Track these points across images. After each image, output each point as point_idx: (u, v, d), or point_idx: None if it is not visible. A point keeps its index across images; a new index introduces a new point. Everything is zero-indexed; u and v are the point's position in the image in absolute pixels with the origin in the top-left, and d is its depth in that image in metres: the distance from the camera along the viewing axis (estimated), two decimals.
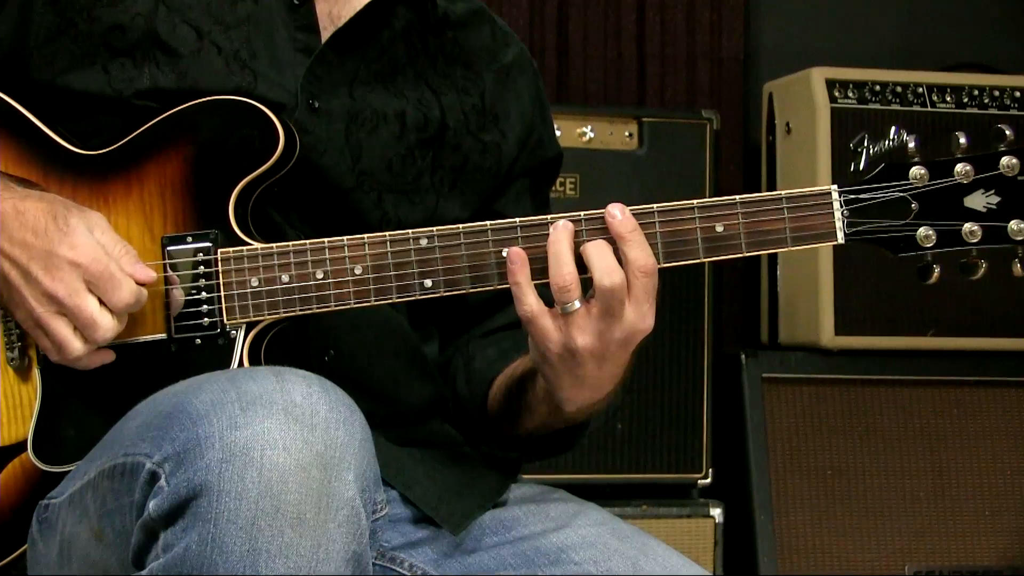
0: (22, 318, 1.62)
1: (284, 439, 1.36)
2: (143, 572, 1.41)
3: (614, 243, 1.59)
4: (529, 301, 1.59)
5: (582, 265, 1.59)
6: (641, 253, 1.58)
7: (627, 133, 3.32)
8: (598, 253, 1.58)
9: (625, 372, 1.66)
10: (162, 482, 1.39)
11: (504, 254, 1.62)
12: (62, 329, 1.60)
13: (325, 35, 1.79)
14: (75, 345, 1.60)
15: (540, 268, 1.60)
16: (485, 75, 1.90)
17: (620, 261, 1.58)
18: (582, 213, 1.61)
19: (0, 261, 1.60)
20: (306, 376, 1.43)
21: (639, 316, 1.58)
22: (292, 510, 1.34)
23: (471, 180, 1.87)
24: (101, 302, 1.60)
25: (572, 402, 1.65)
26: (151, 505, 1.40)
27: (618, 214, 1.59)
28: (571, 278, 1.57)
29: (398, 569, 1.71)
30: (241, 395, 1.39)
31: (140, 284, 1.61)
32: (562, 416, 1.70)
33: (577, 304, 1.57)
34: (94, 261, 1.59)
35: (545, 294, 1.60)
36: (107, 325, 1.60)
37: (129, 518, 1.45)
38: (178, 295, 1.65)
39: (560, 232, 1.59)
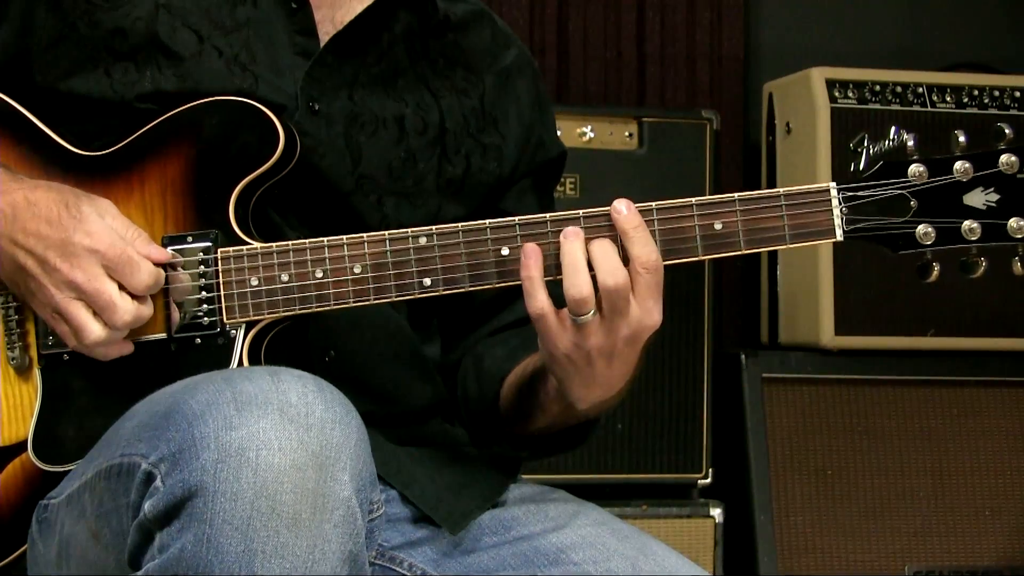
0: (40, 306, 1.63)
1: (279, 439, 1.36)
2: (139, 573, 1.41)
3: (618, 240, 1.58)
4: (540, 297, 1.58)
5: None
6: (644, 249, 1.57)
7: (627, 133, 3.32)
8: (602, 253, 1.58)
9: (635, 370, 1.65)
10: (158, 482, 1.39)
11: (504, 253, 1.62)
12: (81, 313, 1.60)
13: (324, 39, 1.79)
14: (93, 327, 1.61)
15: (544, 266, 1.60)
16: (485, 77, 1.90)
17: (624, 258, 1.58)
18: (581, 211, 1.61)
19: (15, 251, 1.61)
20: (302, 376, 1.43)
21: (645, 312, 1.57)
22: (288, 510, 1.34)
23: (476, 183, 1.87)
24: (120, 287, 1.60)
25: (584, 400, 1.65)
26: (147, 505, 1.40)
27: (623, 209, 1.59)
28: (587, 289, 1.56)
29: (397, 569, 1.71)
30: (236, 395, 1.39)
31: (157, 264, 1.62)
32: (574, 413, 1.70)
33: (591, 316, 1.56)
34: (111, 246, 1.59)
35: (554, 292, 1.60)
36: (126, 307, 1.60)
37: (126, 518, 1.45)
38: (184, 279, 1.65)
39: (572, 241, 1.58)
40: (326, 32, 1.80)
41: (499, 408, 1.82)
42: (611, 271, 1.56)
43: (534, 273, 1.58)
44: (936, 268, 1.63)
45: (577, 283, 1.56)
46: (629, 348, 1.60)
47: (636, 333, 1.58)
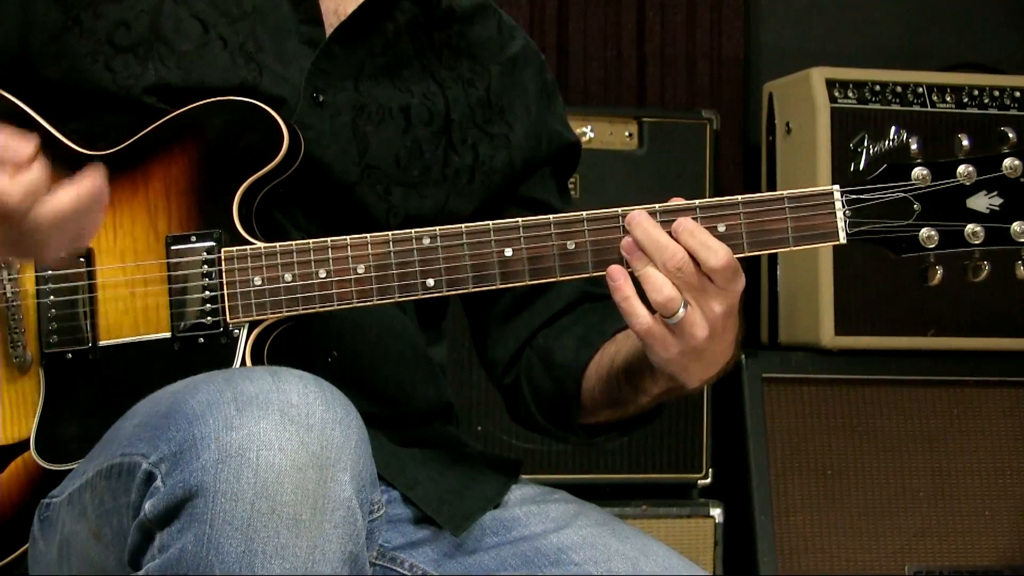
0: None
1: (280, 439, 1.36)
2: (139, 572, 1.41)
3: (657, 216, 1.59)
4: (641, 314, 1.57)
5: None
6: (705, 255, 1.57)
7: (627, 133, 3.32)
8: (652, 243, 1.57)
9: (739, 332, 1.66)
10: (158, 482, 1.39)
11: (507, 254, 1.62)
12: None
13: (329, 30, 1.79)
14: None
15: (545, 268, 1.62)
16: (491, 68, 1.90)
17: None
18: (584, 213, 1.62)
19: None
20: (303, 376, 1.43)
21: (724, 281, 1.58)
22: (288, 511, 1.34)
23: (486, 172, 1.87)
24: None
25: (700, 381, 1.65)
26: (147, 505, 1.40)
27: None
28: (668, 287, 1.55)
29: (398, 569, 1.71)
30: (237, 395, 1.39)
31: None
32: (682, 391, 1.70)
33: (682, 312, 1.56)
34: None
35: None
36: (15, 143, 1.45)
37: (126, 518, 1.45)
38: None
39: (641, 258, 1.57)
40: (330, 24, 1.80)
41: (581, 401, 1.80)
42: (669, 257, 1.56)
43: (629, 293, 1.57)
44: (939, 271, 1.63)
45: (656, 286, 1.56)
46: (729, 320, 1.60)
47: (730, 303, 1.58)
